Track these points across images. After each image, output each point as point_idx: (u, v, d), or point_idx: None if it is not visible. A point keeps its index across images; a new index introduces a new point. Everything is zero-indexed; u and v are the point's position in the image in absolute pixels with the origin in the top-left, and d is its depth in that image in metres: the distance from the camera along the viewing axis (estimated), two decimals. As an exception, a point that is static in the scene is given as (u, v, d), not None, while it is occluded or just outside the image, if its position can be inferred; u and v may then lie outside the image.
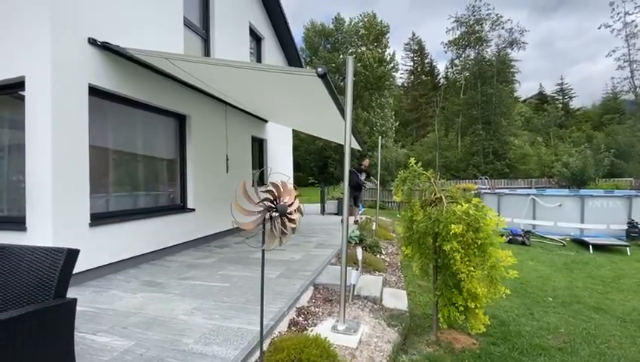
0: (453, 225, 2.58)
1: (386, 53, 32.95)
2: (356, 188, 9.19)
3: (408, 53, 45.31)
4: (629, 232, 8.30)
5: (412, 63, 45.61)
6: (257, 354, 2.28)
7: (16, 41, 3.67)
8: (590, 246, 7.53)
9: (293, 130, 12.07)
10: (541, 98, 44.85)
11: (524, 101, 43.83)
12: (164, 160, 5.75)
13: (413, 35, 48.49)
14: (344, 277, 2.88)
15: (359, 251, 4.17)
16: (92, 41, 3.97)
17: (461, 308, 2.71)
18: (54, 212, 3.54)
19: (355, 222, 8.62)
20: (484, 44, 31.95)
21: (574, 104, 45.23)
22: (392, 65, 33.42)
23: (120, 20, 4.41)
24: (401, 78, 44.50)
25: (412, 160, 3.22)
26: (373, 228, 7.13)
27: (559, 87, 46.41)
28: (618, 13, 28.26)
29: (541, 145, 29.76)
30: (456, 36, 32.89)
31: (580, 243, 8.07)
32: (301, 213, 2.16)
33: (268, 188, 2.03)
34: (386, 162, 19.22)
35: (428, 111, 41.87)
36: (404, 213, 3.19)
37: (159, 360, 2.20)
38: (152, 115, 5.27)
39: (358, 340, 2.73)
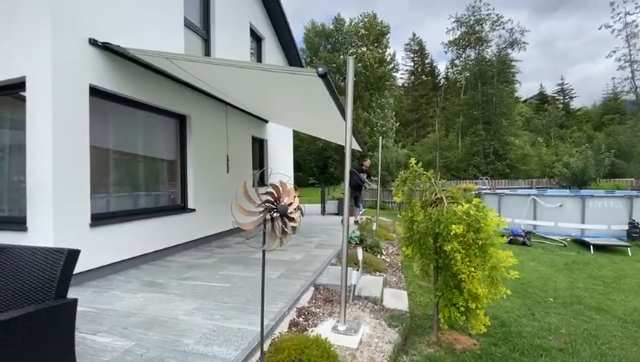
0: (453, 226, 2.57)
1: (387, 54, 32.92)
2: (357, 188, 9.20)
3: (409, 53, 45.36)
4: (630, 233, 8.29)
5: (412, 64, 45.63)
6: (258, 354, 2.28)
7: (16, 42, 3.67)
8: (591, 247, 7.51)
9: (293, 131, 12.08)
10: (542, 98, 44.86)
11: (525, 101, 43.82)
12: (165, 160, 5.75)
13: (414, 35, 48.55)
14: (345, 277, 2.87)
15: (360, 251, 4.17)
16: (93, 42, 3.97)
17: (462, 309, 2.70)
18: (55, 212, 3.54)
19: (356, 222, 8.61)
20: (485, 45, 31.93)
21: (575, 104, 45.33)
22: (392, 65, 33.40)
23: (120, 20, 4.41)
24: (401, 78, 44.58)
25: (412, 160, 3.21)
26: (374, 228, 7.13)
27: (560, 87, 46.50)
28: (618, 14, 28.28)
29: (542, 145, 29.77)
30: (457, 36, 32.86)
31: (581, 244, 8.06)
32: (302, 213, 2.15)
33: (268, 190, 2.03)
34: (386, 162, 19.22)
35: (428, 112, 41.86)
36: (405, 214, 3.19)
37: (159, 361, 2.20)
38: (152, 115, 5.27)
39: (358, 341, 2.73)
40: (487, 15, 31.19)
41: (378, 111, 27.99)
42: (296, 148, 15.55)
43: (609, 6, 28.25)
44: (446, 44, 33.79)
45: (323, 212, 12.12)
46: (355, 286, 3.66)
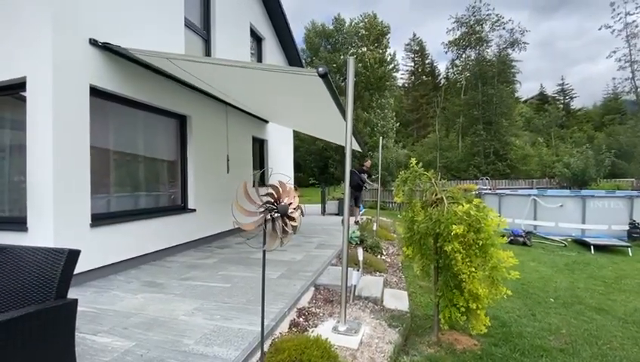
0: (454, 226, 2.57)
1: (387, 54, 32.95)
2: (357, 188, 9.20)
3: (409, 53, 45.36)
4: (631, 233, 8.27)
5: (413, 64, 45.64)
6: (258, 354, 2.28)
7: (17, 42, 3.67)
8: (591, 247, 7.50)
9: (293, 131, 12.08)
10: (542, 98, 44.84)
11: (525, 101, 43.82)
12: (165, 160, 5.75)
13: (414, 35, 48.46)
14: (345, 277, 2.87)
15: (360, 252, 4.17)
16: (93, 42, 3.97)
17: (462, 309, 2.70)
18: (55, 212, 3.54)
19: (356, 222, 8.61)
20: (485, 45, 31.93)
21: (575, 104, 45.33)
22: (392, 65, 33.43)
23: (120, 20, 4.41)
24: (401, 78, 44.61)
25: (413, 160, 3.21)
26: (374, 228, 7.12)
27: (560, 87, 46.50)
28: (619, 14, 28.29)
29: (542, 145, 29.76)
30: (457, 37, 32.88)
31: (582, 244, 8.05)
32: (302, 213, 2.15)
33: (269, 191, 2.03)
34: (386, 162, 19.22)
35: (428, 112, 41.87)
36: (405, 214, 3.18)
37: (160, 361, 2.20)
38: (152, 115, 5.27)
39: (359, 341, 2.73)
40: (487, 15, 31.23)
41: (378, 111, 27.98)
42: (296, 149, 15.56)
43: (609, 6, 28.30)
44: (446, 45, 33.86)
45: (323, 212, 12.13)
46: (355, 286, 3.66)
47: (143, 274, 4.28)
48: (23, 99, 3.69)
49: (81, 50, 3.87)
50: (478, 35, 31.61)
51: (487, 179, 19.90)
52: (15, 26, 3.69)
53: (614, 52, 29.19)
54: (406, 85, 46.24)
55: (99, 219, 4.11)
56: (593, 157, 18.23)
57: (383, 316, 3.32)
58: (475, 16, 31.54)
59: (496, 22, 31.04)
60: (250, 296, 3.38)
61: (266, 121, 9.18)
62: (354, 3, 73.78)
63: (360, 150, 10.06)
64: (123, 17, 4.46)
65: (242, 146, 7.89)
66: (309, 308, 3.39)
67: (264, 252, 2.14)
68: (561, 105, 42.08)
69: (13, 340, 1.45)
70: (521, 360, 2.79)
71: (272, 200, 2.02)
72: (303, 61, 12.85)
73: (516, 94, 35.84)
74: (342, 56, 31.38)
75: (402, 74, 44.38)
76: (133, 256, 4.54)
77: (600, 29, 29.74)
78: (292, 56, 10.78)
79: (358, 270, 3.82)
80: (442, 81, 41.92)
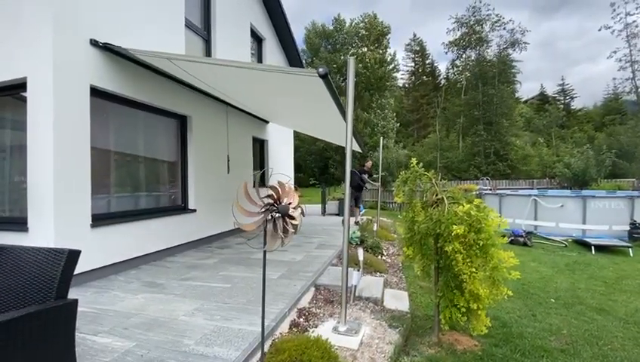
0: (454, 226, 2.57)
1: (387, 54, 32.94)
2: (357, 188, 9.20)
3: (409, 53, 45.33)
4: (632, 233, 8.26)
5: (413, 64, 45.61)
6: (258, 355, 2.28)
7: (17, 42, 3.68)
8: (592, 248, 7.49)
9: (294, 131, 12.09)
10: (542, 98, 44.80)
11: (526, 102, 43.81)
12: (166, 160, 5.75)
13: (414, 35, 48.43)
14: (345, 278, 2.87)
15: (360, 252, 4.16)
16: (93, 42, 3.97)
17: (463, 310, 2.70)
18: (56, 213, 3.54)
19: (356, 222, 8.61)
20: (485, 45, 31.92)
21: (576, 105, 45.31)
22: (392, 65, 33.43)
23: (121, 21, 4.42)
24: (402, 78, 44.59)
25: (413, 160, 3.20)
26: (375, 228, 7.12)
27: (560, 87, 46.49)
28: (619, 14, 28.27)
29: (542, 145, 29.74)
30: (457, 37, 32.87)
31: (582, 245, 8.04)
32: (302, 213, 2.15)
33: (269, 193, 2.03)
34: (387, 163, 19.22)
35: (429, 112, 41.84)
36: (406, 214, 3.18)
37: (160, 361, 2.20)
38: (153, 115, 5.27)
39: (359, 341, 2.72)
40: (487, 15, 31.21)
41: (379, 111, 27.98)
42: (296, 149, 15.56)
43: (610, 6, 28.28)
44: (446, 45, 33.82)
45: (324, 212, 12.12)
46: (355, 286, 3.66)
47: (143, 274, 4.28)
48: (24, 100, 3.70)
49: (81, 50, 3.87)
50: (478, 36, 31.60)
51: (487, 179, 19.90)
52: (15, 26, 3.69)
53: (615, 52, 29.24)
54: (406, 85, 46.24)
55: (99, 220, 4.11)
56: (594, 158, 18.23)
57: (383, 316, 3.31)
58: (475, 16, 31.53)
59: (496, 22, 31.05)
60: (251, 297, 3.38)
61: (267, 122, 9.18)
62: (354, 3, 73.91)
63: (360, 151, 10.07)
64: (123, 17, 4.46)
65: (242, 146, 7.90)
66: (309, 308, 3.38)
67: (264, 252, 2.14)
68: (562, 106, 42.04)
69: (13, 340, 1.45)
70: (521, 361, 2.78)
71: (273, 201, 2.01)
72: (304, 61, 12.86)
73: (517, 94, 35.83)
74: (342, 57, 31.37)
75: (402, 74, 44.45)
76: (133, 257, 4.54)
77: (600, 30, 29.75)
78: (292, 57, 10.79)
79: (358, 270, 3.81)
80: (442, 82, 41.91)
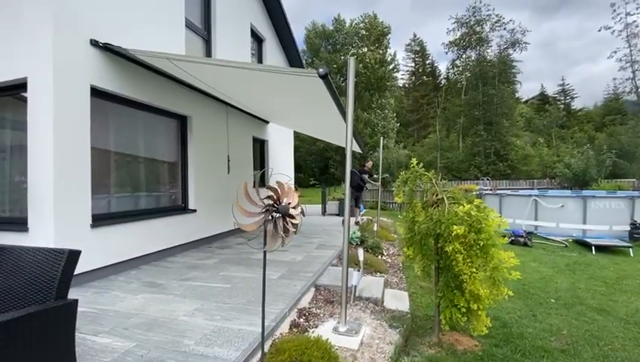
0: (455, 226, 2.57)
1: (387, 54, 32.92)
2: (357, 188, 9.20)
3: (409, 54, 45.32)
4: (632, 233, 8.26)
5: (413, 64, 45.61)
6: (258, 355, 2.28)
7: (17, 42, 3.68)
8: (593, 248, 7.49)
9: (294, 132, 12.09)
10: (543, 99, 44.79)
11: (526, 102, 43.79)
12: (166, 161, 5.75)
13: (415, 35, 48.46)
14: (345, 278, 2.87)
15: (360, 252, 4.16)
16: (94, 42, 3.97)
17: (463, 310, 2.69)
18: (56, 213, 3.54)
19: (356, 223, 8.61)
20: (485, 45, 31.91)
21: (576, 105, 45.29)
22: (392, 66, 33.41)
23: (121, 21, 4.42)
24: (402, 78, 44.59)
25: (413, 161, 3.20)
26: (375, 229, 7.12)
27: (561, 87, 46.48)
28: (619, 14, 28.27)
29: (543, 145, 29.72)
30: (457, 37, 32.86)
31: (583, 245, 8.03)
32: (303, 212, 2.15)
33: (269, 194, 2.03)
34: (387, 163, 19.21)
35: (429, 112, 41.83)
36: (406, 214, 3.18)
37: (160, 362, 2.20)
38: (153, 115, 5.27)
39: (359, 341, 2.72)
40: (487, 16, 31.21)
41: (379, 111, 27.97)
42: (296, 149, 15.56)
43: (610, 7, 28.28)
44: (447, 45, 33.82)
45: (324, 212, 12.12)
46: (355, 287, 3.65)
47: (143, 274, 4.28)
48: (24, 100, 3.70)
49: (81, 50, 3.87)
50: (478, 36, 31.60)
51: (487, 179, 19.90)
52: (16, 26, 3.69)
53: (615, 52, 29.25)
54: (406, 86, 46.24)
55: (99, 220, 4.11)
56: (594, 158, 18.22)
57: (383, 316, 3.31)
58: (475, 16, 31.53)
59: (496, 22, 31.05)
60: (251, 297, 3.38)
61: (267, 122, 9.18)
62: (354, 3, 73.88)
63: (360, 151, 10.07)
64: (123, 18, 4.46)
65: (243, 147, 7.90)
66: (309, 308, 3.38)
67: (265, 252, 2.14)
68: (562, 106, 42.03)
69: (13, 340, 1.45)
70: (522, 361, 2.78)
71: (273, 201, 2.01)
72: (304, 62, 12.86)
73: (517, 94, 35.82)
74: (342, 57, 31.35)
75: (403, 74, 44.45)
76: (133, 257, 4.53)
77: (600, 30, 29.74)
78: (292, 57, 10.79)
79: (358, 270, 3.81)
80: (443, 82, 41.90)
